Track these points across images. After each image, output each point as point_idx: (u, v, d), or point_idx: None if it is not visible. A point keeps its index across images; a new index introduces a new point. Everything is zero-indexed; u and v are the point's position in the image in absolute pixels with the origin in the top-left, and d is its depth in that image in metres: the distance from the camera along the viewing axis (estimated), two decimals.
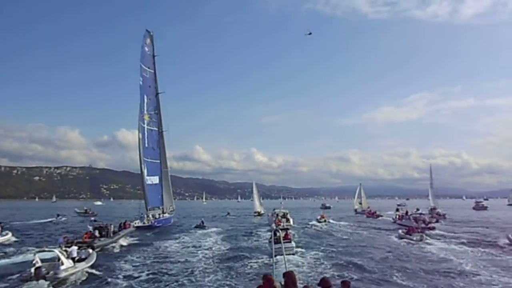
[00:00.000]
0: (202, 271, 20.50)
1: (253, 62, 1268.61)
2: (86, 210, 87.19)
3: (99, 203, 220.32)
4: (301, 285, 8.85)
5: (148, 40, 57.92)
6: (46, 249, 20.42)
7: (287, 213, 52.63)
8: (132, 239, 35.83)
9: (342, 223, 59.47)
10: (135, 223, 45.55)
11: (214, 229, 44.17)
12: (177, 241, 34.80)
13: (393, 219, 59.13)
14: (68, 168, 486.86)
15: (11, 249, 29.85)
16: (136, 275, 19.82)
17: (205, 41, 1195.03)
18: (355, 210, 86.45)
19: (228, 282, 17.85)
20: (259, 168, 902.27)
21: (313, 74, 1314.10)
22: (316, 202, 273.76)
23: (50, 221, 64.83)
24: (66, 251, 20.72)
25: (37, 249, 20.84)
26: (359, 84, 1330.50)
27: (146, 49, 56.80)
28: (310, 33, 55.68)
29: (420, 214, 52.08)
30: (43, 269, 18.07)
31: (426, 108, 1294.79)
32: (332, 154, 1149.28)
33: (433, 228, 43.58)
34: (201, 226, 48.83)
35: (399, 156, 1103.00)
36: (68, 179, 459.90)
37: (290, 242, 26.68)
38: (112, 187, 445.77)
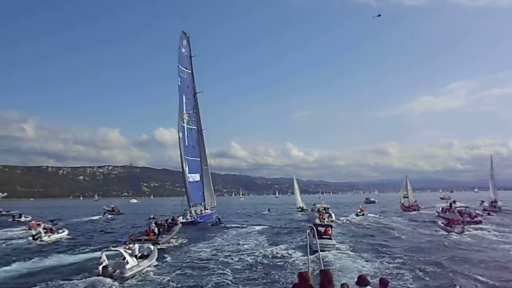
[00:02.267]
0: (246, 268, 20.98)
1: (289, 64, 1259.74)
2: (113, 208, 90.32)
3: (134, 201, 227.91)
4: (338, 283, 8.75)
5: (185, 42, 59.14)
6: (112, 248, 20.84)
7: (328, 208, 52.04)
8: (178, 234, 36.93)
9: (381, 216, 58.83)
10: (179, 219, 46.97)
11: (258, 227, 43.93)
12: (221, 238, 35.40)
13: (437, 212, 57.70)
14: (110, 167, 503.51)
15: (71, 246, 31.36)
16: (193, 270, 20.55)
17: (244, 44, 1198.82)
18: (402, 204, 79.15)
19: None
20: (296, 163, 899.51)
21: (345, 65, 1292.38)
22: (356, 196, 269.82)
23: (98, 219, 68.13)
24: (129, 248, 21.27)
25: (105, 248, 21.30)
26: (394, 74, 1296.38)
27: (183, 50, 58.07)
28: (379, 15, 54.70)
29: (466, 207, 50.42)
30: (110, 268, 18.66)
31: (468, 97, 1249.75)
32: (369, 147, 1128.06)
33: (479, 222, 42.21)
34: (217, 224, 48.73)
35: (440, 147, 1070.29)
36: (110, 178, 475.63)
37: (330, 238, 26.47)
38: (152, 185, 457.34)
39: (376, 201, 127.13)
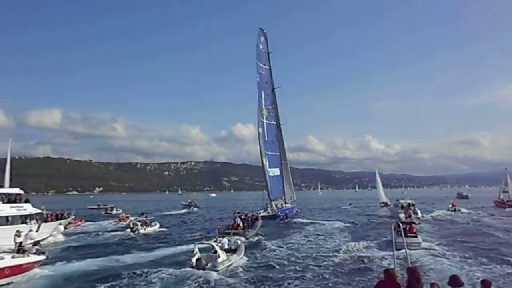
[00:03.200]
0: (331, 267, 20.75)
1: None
2: (190, 202, 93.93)
3: (213, 195, 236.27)
4: (427, 283, 8.36)
5: (262, 38, 60.05)
6: (205, 242, 21.64)
7: (413, 204, 49.75)
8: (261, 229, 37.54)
9: (476, 212, 54.95)
10: (260, 213, 47.94)
11: (339, 223, 42.85)
12: (302, 233, 35.32)
13: None
14: (193, 163, 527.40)
15: (162, 238, 33.43)
16: (279, 265, 20.88)
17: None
18: (501, 199, 70.24)
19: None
20: (376, 156, 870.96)
21: (432, 41, 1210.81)
22: (444, 190, 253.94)
23: (182, 212, 72.02)
24: (219, 242, 21.90)
25: (197, 242, 22.35)
26: (488, 58, 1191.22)
27: (261, 47, 59.03)
28: None
29: None
30: (203, 261, 19.41)
31: None
32: (457, 138, 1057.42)
33: None
34: (283, 219, 48.34)
35: None
36: (193, 173, 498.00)
37: (415, 236, 25.46)
38: (232, 179, 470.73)
39: (469, 195, 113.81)
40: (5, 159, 37.78)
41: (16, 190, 32.75)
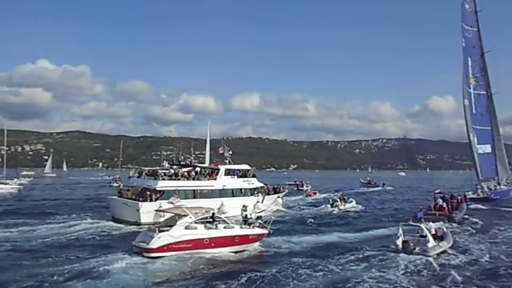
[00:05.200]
0: None
1: None
2: (369, 180, 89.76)
3: (402, 174, 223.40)
4: None
5: None
6: (413, 223, 20.57)
7: None
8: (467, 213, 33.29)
9: None
10: (468, 194, 42.87)
11: None
12: None
13: None
14: (384, 140, 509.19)
15: (363, 217, 33.62)
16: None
17: None
18: None
19: None
20: None
21: None
22: None
23: (367, 191, 70.83)
24: (426, 225, 20.34)
25: (402, 222, 21.04)
26: None
27: (467, 6, 51.68)
28: None
29: None
30: (411, 244, 18.24)
31: None
32: None
33: None
34: None
35: None
36: (384, 151, 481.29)
37: None
38: (428, 158, 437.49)
39: None
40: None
41: (245, 166, 38.03)
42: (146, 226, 22.88)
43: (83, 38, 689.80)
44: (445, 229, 21.64)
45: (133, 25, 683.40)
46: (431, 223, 20.95)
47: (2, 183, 59.35)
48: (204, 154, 60.21)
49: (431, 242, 18.51)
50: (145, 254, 17.85)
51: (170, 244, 18.12)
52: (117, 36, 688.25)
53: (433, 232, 19.98)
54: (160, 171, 35.41)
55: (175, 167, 36.21)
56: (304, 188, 67.90)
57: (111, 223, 28.72)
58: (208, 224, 19.51)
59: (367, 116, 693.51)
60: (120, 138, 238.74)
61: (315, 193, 53.79)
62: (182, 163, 37.93)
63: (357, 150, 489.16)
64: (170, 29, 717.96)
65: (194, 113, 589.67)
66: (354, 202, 40.92)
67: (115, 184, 76.16)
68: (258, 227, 21.27)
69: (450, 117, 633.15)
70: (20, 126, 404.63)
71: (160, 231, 18.45)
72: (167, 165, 40.65)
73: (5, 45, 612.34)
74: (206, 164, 43.22)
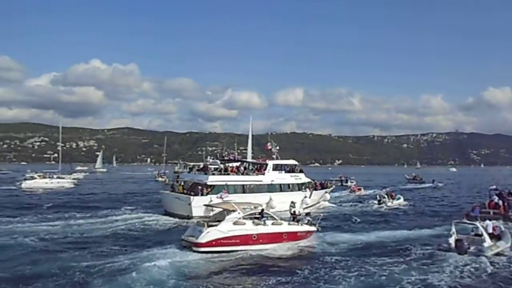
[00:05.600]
0: None
1: None
2: (415, 176, 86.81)
3: (453, 169, 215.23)
4: None
5: None
6: (467, 221, 19.69)
7: None
8: None
9: None
10: None
11: None
12: None
13: None
14: (434, 135, 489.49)
15: (412, 214, 32.66)
16: None
17: None
18: None
19: None
20: None
21: None
22: None
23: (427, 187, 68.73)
24: (483, 223, 19.25)
25: (455, 220, 20.12)
26: None
27: None
28: None
29: None
30: (465, 243, 17.37)
31: None
32: None
33: None
34: None
35: None
36: (434, 146, 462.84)
37: None
38: (482, 153, 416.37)
39: None
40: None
41: (292, 161, 38.24)
42: (195, 220, 23.48)
43: (132, 38, 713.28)
44: (503, 228, 20.23)
45: (179, 21, 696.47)
46: (488, 221, 19.76)
47: (59, 178, 62.88)
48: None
49: (488, 241, 17.52)
50: (194, 249, 18.20)
51: (219, 239, 18.38)
52: (163, 34, 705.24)
53: (490, 230, 18.86)
54: (210, 166, 36.24)
55: (219, 162, 37.10)
56: (348, 184, 66.75)
57: (164, 216, 29.63)
58: (256, 220, 19.60)
59: (416, 109, 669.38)
60: (166, 134, 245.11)
61: (359, 189, 52.71)
62: (226, 158, 38.60)
63: (405, 145, 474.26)
64: (213, 25, 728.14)
65: (238, 109, 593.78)
66: (402, 199, 39.70)
67: (160, 179, 78.64)
68: (306, 223, 21.08)
69: (507, 109, 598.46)
70: (74, 123, 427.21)
71: (208, 226, 18.79)
72: (210, 160, 41.48)
73: (61, 47, 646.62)
74: (249, 159, 43.71)
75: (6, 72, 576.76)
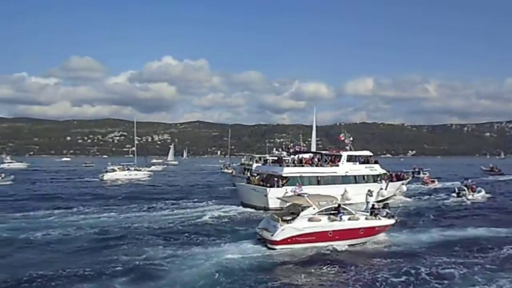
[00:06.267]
0: None
1: None
2: (492, 167, 79.71)
3: None
4: None
5: None
6: None
7: None
8: None
9: None
10: None
11: None
12: None
13: None
14: None
15: (497, 209, 30.22)
16: None
17: None
18: None
19: None
20: None
21: None
22: None
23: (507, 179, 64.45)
24: None
25: None
26: None
27: None
28: None
29: None
30: None
31: None
32: None
33: None
34: None
35: None
36: None
37: None
38: None
39: None
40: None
41: (367, 153, 37.22)
42: (269, 212, 23.40)
43: (201, 34, 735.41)
44: None
45: (247, 17, 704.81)
46: None
47: (137, 170, 66.83)
48: (316, 140, 59.54)
49: None
50: (269, 246, 18.03)
51: (294, 236, 18.02)
52: (232, 29, 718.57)
53: None
54: (284, 158, 36.58)
55: (285, 153, 36.87)
56: (421, 175, 62.96)
57: (240, 207, 30.21)
58: (332, 216, 18.91)
59: (501, 95, 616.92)
60: (236, 127, 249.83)
61: (433, 181, 49.59)
62: (291, 150, 38.54)
63: (487, 134, 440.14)
64: (282, 20, 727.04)
65: (306, 100, 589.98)
66: (483, 191, 36.93)
67: (226, 171, 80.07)
68: (385, 216, 20.09)
69: None
70: (149, 118, 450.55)
71: (282, 221, 18.36)
72: (276, 152, 41.36)
73: (137, 45, 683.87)
74: (313, 150, 42.84)
75: (90, 72, 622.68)
